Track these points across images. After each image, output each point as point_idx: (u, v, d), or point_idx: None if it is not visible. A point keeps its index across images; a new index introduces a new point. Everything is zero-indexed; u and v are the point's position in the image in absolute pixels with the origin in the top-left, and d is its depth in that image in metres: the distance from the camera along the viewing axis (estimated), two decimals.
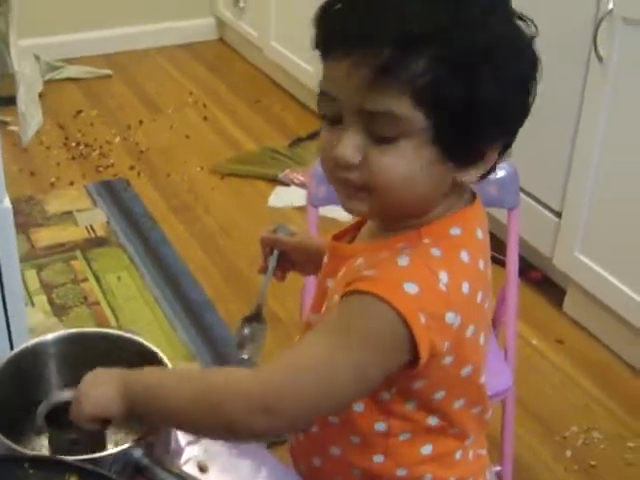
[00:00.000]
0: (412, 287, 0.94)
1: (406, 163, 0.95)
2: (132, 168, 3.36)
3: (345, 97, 0.95)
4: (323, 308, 1.09)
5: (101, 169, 3.36)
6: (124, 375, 1.01)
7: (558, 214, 2.54)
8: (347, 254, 1.06)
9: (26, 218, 3.02)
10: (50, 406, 1.04)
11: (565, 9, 2.40)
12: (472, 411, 1.10)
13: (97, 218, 3.03)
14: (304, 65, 3.59)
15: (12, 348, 1.22)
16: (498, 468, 1.88)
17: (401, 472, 1.09)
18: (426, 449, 1.09)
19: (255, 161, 3.43)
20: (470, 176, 1.00)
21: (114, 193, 3.19)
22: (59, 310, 2.58)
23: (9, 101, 3.03)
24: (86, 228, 2.97)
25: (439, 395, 1.05)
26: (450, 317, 0.97)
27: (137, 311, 2.59)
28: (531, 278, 2.73)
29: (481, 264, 1.04)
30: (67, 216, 3.04)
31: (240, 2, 4.13)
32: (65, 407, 1.01)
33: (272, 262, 1.27)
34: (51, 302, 2.61)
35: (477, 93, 0.92)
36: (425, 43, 0.91)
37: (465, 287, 0.99)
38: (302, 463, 1.19)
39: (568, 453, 2.15)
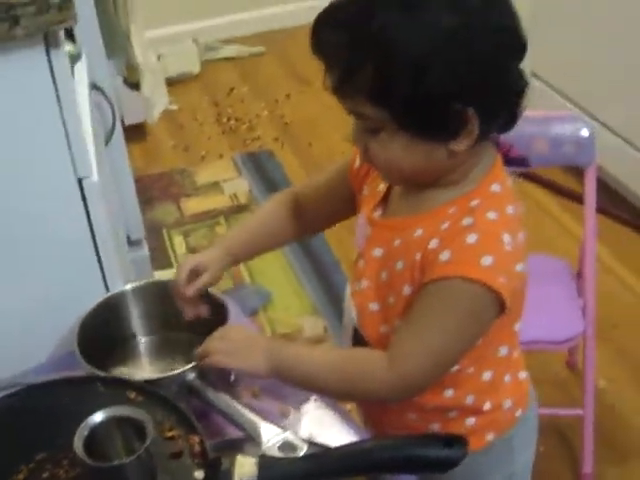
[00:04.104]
0: (487, 259, 1.10)
1: (387, 150, 1.12)
2: (277, 139, 3.61)
3: None
4: (382, 275, 1.23)
5: (248, 141, 3.63)
6: (275, 348, 1.21)
7: None
8: (401, 226, 1.21)
9: (178, 189, 3.33)
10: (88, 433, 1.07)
11: None
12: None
13: (241, 187, 3.30)
14: None
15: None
16: (580, 411, 2.00)
17: (469, 400, 1.26)
18: (486, 375, 1.26)
19: None
20: (460, 145, 1.11)
21: (258, 163, 3.45)
22: None
23: (138, 86, 3.36)
24: (230, 196, 3.25)
25: (517, 326, 1.25)
26: (519, 267, 1.15)
27: (270, 269, 2.83)
28: None
29: (519, 207, 1.19)
30: (214, 186, 3.32)
31: None
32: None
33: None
34: None
35: (422, 86, 1.05)
36: (366, 56, 1.05)
37: (520, 237, 1.16)
38: (370, 408, 1.37)
39: None
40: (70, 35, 1.79)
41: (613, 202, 2.94)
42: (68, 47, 1.50)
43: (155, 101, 2.49)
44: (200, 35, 4.30)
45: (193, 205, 3.22)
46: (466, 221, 1.13)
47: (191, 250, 2.96)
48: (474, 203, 1.15)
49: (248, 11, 4.48)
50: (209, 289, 1.37)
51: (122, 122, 3.40)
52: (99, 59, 1.94)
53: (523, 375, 1.34)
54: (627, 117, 2.78)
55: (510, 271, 1.12)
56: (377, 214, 1.25)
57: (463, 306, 1.12)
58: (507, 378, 1.29)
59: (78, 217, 1.39)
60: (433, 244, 1.14)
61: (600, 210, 2.88)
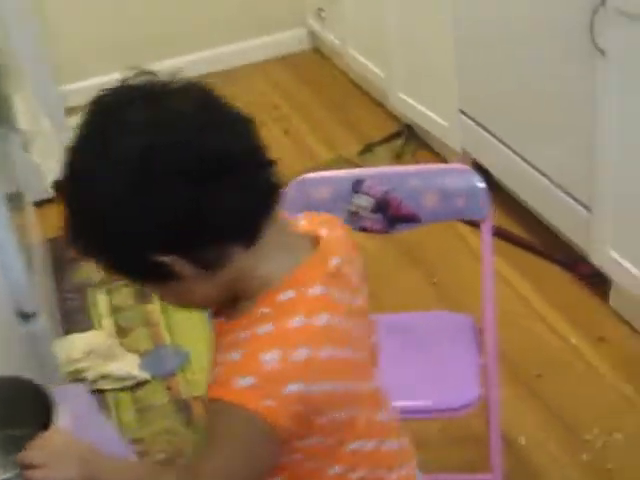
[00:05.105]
0: (247, 380, 1.02)
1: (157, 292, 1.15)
2: None
3: None
4: None
5: None
6: (90, 459, 1.15)
7: (588, 209, 2.50)
8: (216, 332, 1.15)
9: None
10: None
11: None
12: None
13: None
14: (375, 69, 3.77)
15: None
16: (488, 477, 1.90)
17: None
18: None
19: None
20: (193, 283, 1.07)
21: None
22: (122, 332, 2.77)
23: None
24: None
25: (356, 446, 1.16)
26: (292, 388, 1.03)
27: (190, 329, 2.73)
28: (580, 271, 2.69)
29: (323, 319, 1.07)
30: None
31: (322, 13, 4.24)
32: None
33: None
34: (117, 324, 2.81)
35: (105, 254, 1.07)
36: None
37: (301, 353, 1.04)
38: None
39: (584, 457, 2.13)
40: None
41: (547, 244, 2.85)
42: None
43: (46, 169, 2.39)
44: None
45: None
46: (242, 335, 1.06)
47: (114, 309, 2.87)
48: (264, 310, 1.07)
49: (184, 55, 4.38)
50: (44, 385, 1.30)
51: None
52: None
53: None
54: (552, 154, 2.70)
55: (277, 393, 1.03)
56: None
57: (230, 429, 1.06)
58: None
59: None
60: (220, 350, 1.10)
61: (534, 251, 2.83)
